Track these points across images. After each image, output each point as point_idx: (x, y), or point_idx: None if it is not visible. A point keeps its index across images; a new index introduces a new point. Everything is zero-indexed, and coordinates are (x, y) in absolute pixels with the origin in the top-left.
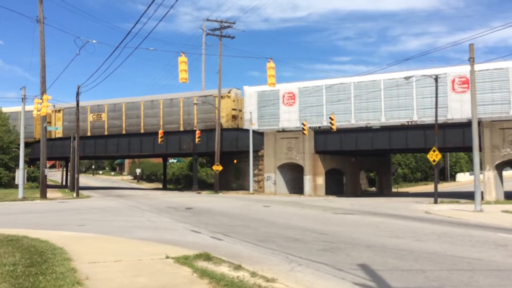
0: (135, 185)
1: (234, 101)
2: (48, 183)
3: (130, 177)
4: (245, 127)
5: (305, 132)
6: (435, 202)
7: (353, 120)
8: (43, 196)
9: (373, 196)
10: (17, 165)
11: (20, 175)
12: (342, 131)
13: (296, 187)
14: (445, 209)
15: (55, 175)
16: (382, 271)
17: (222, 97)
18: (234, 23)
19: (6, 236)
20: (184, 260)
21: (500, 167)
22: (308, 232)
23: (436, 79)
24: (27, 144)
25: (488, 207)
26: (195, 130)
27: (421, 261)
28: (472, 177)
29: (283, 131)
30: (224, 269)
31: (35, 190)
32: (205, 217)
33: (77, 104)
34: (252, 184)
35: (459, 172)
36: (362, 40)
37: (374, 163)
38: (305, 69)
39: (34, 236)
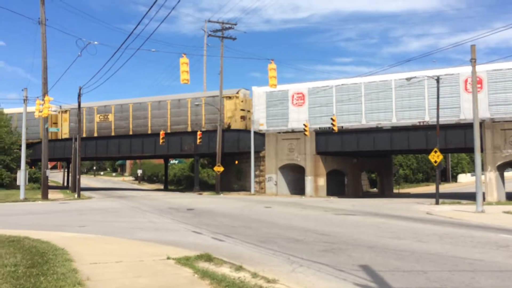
0: (136, 186)
1: (242, 101)
2: (50, 184)
3: (131, 178)
4: (254, 127)
5: (306, 133)
6: (437, 203)
7: (364, 120)
8: (45, 197)
9: (375, 197)
10: (19, 166)
11: (21, 176)
12: (343, 132)
13: (298, 188)
14: (447, 210)
15: (56, 176)
16: (383, 272)
17: (230, 97)
18: (235, 24)
19: (7, 237)
20: (185, 261)
21: (501, 168)
22: (310, 233)
23: (438, 79)
24: (28, 145)
25: (490, 208)
26: (196, 131)
27: (422, 262)
28: (473, 178)
29: (292, 131)
30: (225, 270)
31: (36, 191)
32: (206, 218)
33: (79, 105)
34: (253, 185)
35: (460, 173)
36: (364, 41)
37: (375, 164)
38: (306, 70)
39: (35, 237)
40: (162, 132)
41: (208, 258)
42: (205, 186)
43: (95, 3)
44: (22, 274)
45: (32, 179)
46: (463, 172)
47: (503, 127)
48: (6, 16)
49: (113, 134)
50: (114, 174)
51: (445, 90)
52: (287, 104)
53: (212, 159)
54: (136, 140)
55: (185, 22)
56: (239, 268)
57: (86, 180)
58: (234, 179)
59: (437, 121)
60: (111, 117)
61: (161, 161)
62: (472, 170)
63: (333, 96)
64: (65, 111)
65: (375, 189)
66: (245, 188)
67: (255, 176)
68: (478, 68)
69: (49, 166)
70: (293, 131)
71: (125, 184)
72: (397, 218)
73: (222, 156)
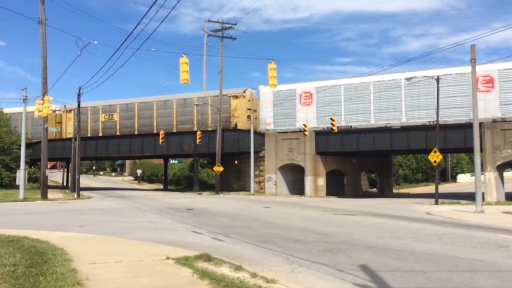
0: (136, 186)
1: (249, 100)
2: (49, 184)
3: (131, 178)
4: (261, 127)
5: (306, 133)
6: (436, 203)
7: (373, 120)
8: (44, 196)
9: (374, 197)
10: (18, 166)
11: (21, 176)
12: (343, 132)
13: (297, 188)
14: (446, 210)
15: (56, 176)
16: (383, 272)
17: (237, 96)
18: (235, 24)
19: (7, 237)
20: (184, 261)
21: (501, 168)
22: (309, 233)
23: (438, 80)
24: (28, 145)
25: (489, 208)
26: (196, 131)
27: (422, 262)
28: (473, 178)
29: (300, 131)
30: (224, 270)
31: (36, 191)
32: (206, 218)
33: (78, 105)
34: (253, 185)
35: (460, 173)
36: (364, 41)
37: (375, 164)
38: (306, 70)
39: (34, 237)
40: (162, 132)
41: (208, 258)
42: (205, 186)
43: (95, 2)
44: (21, 274)
45: (31, 179)
46: (463, 172)
47: (503, 127)
48: (6, 16)
49: (118, 133)
50: (113, 174)
51: (456, 89)
52: (294, 104)
53: (211, 159)
54: (136, 140)
55: (185, 22)
56: (239, 268)
57: (85, 180)
58: (233, 179)
59: (437, 121)
60: (116, 116)
61: (161, 161)
62: (471, 170)
63: (341, 95)
64: (70, 111)
65: (374, 189)
66: (244, 188)
67: (255, 176)
68: (489, 66)
69: (49, 166)
70: (300, 131)
71: (125, 184)
72: (396, 218)
73: (221, 156)
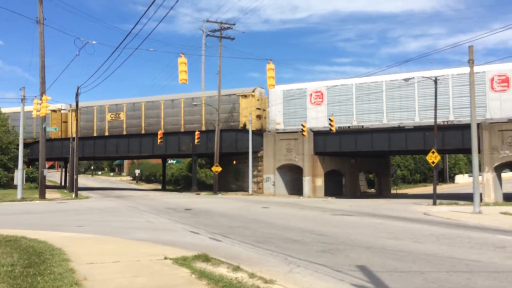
0: (134, 186)
1: (258, 100)
2: (47, 183)
3: (129, 178)
4: (270, 126)
5: (304, 133)
6: (434, 203)
7: (385, 119)
8: (42, 196)
9: (372, 198)
10: (16, 166)
11: (19, 176)
12: (341, 132)
13: (295, 188)
14: (444, 210)
15: (54, 176)
16: (380, 272)
17: (246, 96)
18: (234, 24)
19: (4, 237)
20: (182, 261)
21: (499, 169)
22: (307, 233)
23: (436, 80)
24: (26, 145)
25: (487, 209)
26: (195, 132)
27: (419, 262)
28: (471, 178)
29: (311, 131)
30: (222, 270)
31: (34, 191)
32: (204, 218)
33: (77, 104)
34: (251, 185)
35: (458, 173)
36: (362, 42)
37: (373, 165)
38: (305, 70)
39: (32, 237)
40: (160, 132)
41: (206, 258)
42: (203, 186)
43: (94, 2)
44: (19, 274)
45: (29, 179)
46: (461, 173)
47: (501, 128)
48: (4, 16)
49: (124, 133)
50: (112, 174)
51: (468, 89)
52: (305, 103)
53: (210, 159)
54: (134, 140)
55: (183, 22)
56: (237, 269)
57: (83, 180)
58: (232, 179)
59: (435, 121)
60: (122, 115)
61: (159, 161)
62: (469, 171)
63: (352, 94)
64: (75, 110)
65: (373, 190)
66: (243, 188)
67: (253, 176)
68: (505, 66)
69: (47, 166)
70: (311, 130)
71: (123, 184)
72: (394, 218)
73: (220, 156)
